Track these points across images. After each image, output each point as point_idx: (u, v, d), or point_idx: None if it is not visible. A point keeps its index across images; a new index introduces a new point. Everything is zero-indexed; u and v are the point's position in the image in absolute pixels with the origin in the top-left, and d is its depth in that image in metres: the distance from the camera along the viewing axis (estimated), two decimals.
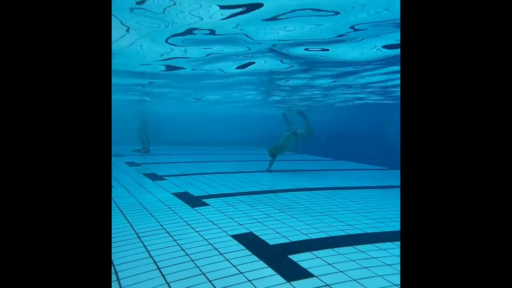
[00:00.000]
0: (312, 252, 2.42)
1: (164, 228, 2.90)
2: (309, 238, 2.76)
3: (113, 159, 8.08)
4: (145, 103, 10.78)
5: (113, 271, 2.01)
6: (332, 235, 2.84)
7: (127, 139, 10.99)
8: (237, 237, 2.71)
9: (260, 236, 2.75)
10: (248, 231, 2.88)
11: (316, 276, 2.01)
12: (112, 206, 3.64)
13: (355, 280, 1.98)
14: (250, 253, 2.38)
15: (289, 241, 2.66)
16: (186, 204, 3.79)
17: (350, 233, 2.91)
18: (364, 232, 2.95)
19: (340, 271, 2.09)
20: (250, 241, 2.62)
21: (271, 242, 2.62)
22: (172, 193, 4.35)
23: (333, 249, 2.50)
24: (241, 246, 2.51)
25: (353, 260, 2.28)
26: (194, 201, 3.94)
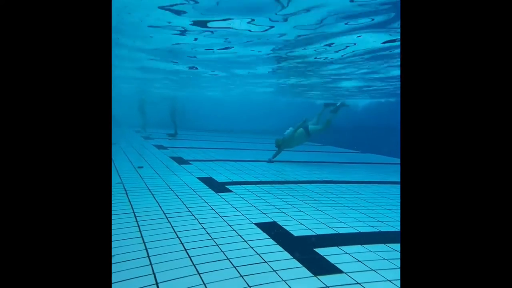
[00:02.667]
0: (340, 247, 2.31)
1: (190, 211, 2.96)
2: (336, 232, 2.65)
3: (144, 142, 8.49)
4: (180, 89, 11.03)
5: (143, 248, 2.10)
6: (361, 231, 2.69)
7: (159, 122, 11.45)
8: (261, 226, 2.68)
9: (284, 227, 2.70)
10: (272, 221, 2.83)
11: (346, 273, 1.91)
12: (142, 185, 3.81)
13: (389, 280, 1.85)
14: (275, 242, 2.34)
15: (315, 234, 2.57)
16: (210, 189, 3.85)
17: (382, 230, 2.73)
18: (397, 230, 2.76)
19: (372, 270, 1.97)
20: (274, 231, 2.58)
21: (295, 234, 2.55)
22: (197, 177, 4.44)
23: (363, 245, 2.36)
24: (265, 235, 2.48)
25: (387, 259, 2.13)
26: (218, 187, 3.98)
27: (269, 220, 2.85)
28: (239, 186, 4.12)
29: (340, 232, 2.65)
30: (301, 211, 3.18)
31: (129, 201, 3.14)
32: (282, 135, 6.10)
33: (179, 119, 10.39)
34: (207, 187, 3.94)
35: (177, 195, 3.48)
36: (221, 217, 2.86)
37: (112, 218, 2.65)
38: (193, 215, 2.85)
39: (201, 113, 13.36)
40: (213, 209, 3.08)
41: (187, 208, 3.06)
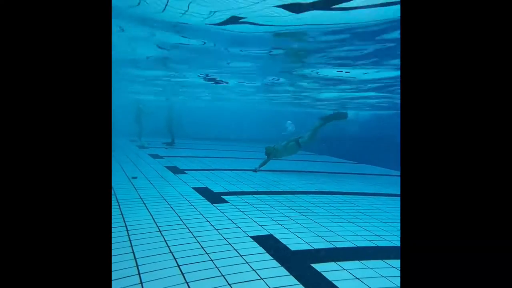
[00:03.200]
0: (337, 262, 2.26)
1: (184, 223, 2.89)
2: (333, 246, 2.60)
3: (138, 151, 8.38)
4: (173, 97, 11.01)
5: (134, 264, 2.02)
6: (359, 245, 2.64)
7: (154, 131, 11.37)
8: (257, 239, 2.61)
9: (280, 240, 2.64)
10: (268, 234, 2.77)
11: None
12: (136, 197, 3.72)
13: None
14: (271, 257, 2.28)
15: (312, 248, 2.52)
16: (206, 200, 3.77)
17: (379, 245, 2.69)
18: (394, 245, 2.72)
19: None
20: (270, 245, 2.52)
21: (292, 248, 2.49)
22: (193, 188, 4.37)
23: (361, 261, 2.31)
24: (261, 249, 2.41)
25: (385, 277, 2.08)
26: (214, 198, 3.92)
27: (265, 233, 2.79)
28: (235, 196, 4.06)
29: (338, 246, 2.60)
30: (298, 223, 3.12)
31: (121, 214, 3.05)
32: (273, 145, 6.05)
33: (176, 127, 10.34)
34: (203, 198, 3.87)
35: (171, 207, 3.41)
36: (216, 229, 2.79)
37: None
38: (187, 228, 2.78)
39: (198, 121, 13.34)
40: (208, 221, 3.00)
41: (182, 220, 2.98)
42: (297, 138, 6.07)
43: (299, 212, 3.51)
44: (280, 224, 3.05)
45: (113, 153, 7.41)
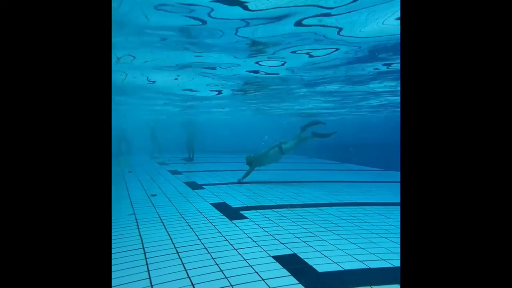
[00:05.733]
0: (373, 287, 1.98)
1: (202, 243, 2.76)
2: (367, 267, 2.31)
3: (158, 167, 8.55)
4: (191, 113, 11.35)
5: None
6: (395, 265, 2.33)
7: (173, 147, 11.65)
8: (280, 259, 2.40)
9: (305, 260, 2.40)
10: (292, 253, 2.55)
11: None
12: (154, 216, 3.68)
13: None
14: (297, 281, 2.05)
15: (342, 269, 2.25)
16: (224, 217, 3.64)
17: None
18: None
19: None
20: (295, 266, 2.29)
21: (319, 269, 2.25)
22: (211, 203, 4.27)
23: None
24: (285, 271, 2.20)
25: None
26: (232, 213, 3.77)
27: (288, 252, 2.57)
28: (254, 211, 3.89)
29: (372, 266, 2.31)
30: (323, 239, 2.86)
31: (140, 235, 3.00)
32: (254, 153, 5.89)
33: (195, 143, 10.49)
34: (221, 214, 3.74)
35: (189, 225, 3.30)
36: (235, 249, 2.62)
37: (121, 255, 2.50)
38: (205, 248, 2.64)
39: (215, 134, 13.49)
40: (226, 239, 2.85)
41: (199, 239, 2.86)
42: (279, 144, 5.85)
43: (323, 227, 3.24)
44: (304, 241, 2.81)
45: (133, 170, 7.61)
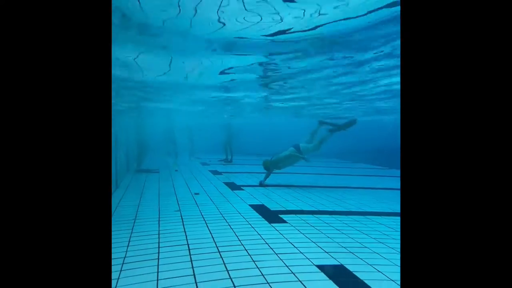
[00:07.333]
0: None
1: (242, 244, 2.76)
2: None
3: (200, 167, 9.00)
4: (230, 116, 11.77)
5: None
6: None
7: (213, 149, 12.18)
8: (325, 270, 2.25)
9: (355, 274, 2.20)
10: (339, 264, 2.37)
11: None
12: (197, 213, 3.84)
13: None
14: None
15: None
16: (263, 219, 3.60)
17: None
18: None
19: None
20: (343, 279, 2.11)
21: (373, 286, 2.03)
22: (249, 205, 4.28)
23: None
24: (332, 283, 2.04)
25: None
26: (271, 216, 3.71)
27: (334, 262, 2.39)
28: (294, 215, 3.76)
29: None
30: (375, 252, 2.60)
31: (184, 231, 3.15)
32: (270, 157, 5.76)
33: (234, 145, 10.76)
34: (260, 216, 3.71)
35: (229, 225, 3.35)
36: (276, 254, 2.55)
37: (168, 249, 2.65)
38: (246, 250, 2.63)
39: (255, 136, 13.64)
40: (266, 243, 2.80)
41: (240, 240, 2.86)
42: (297, 145, 5.62)
43: (374, 238, 2.95)
44: (352, 252, 2.59)
45: (178, 170, 8.13)
